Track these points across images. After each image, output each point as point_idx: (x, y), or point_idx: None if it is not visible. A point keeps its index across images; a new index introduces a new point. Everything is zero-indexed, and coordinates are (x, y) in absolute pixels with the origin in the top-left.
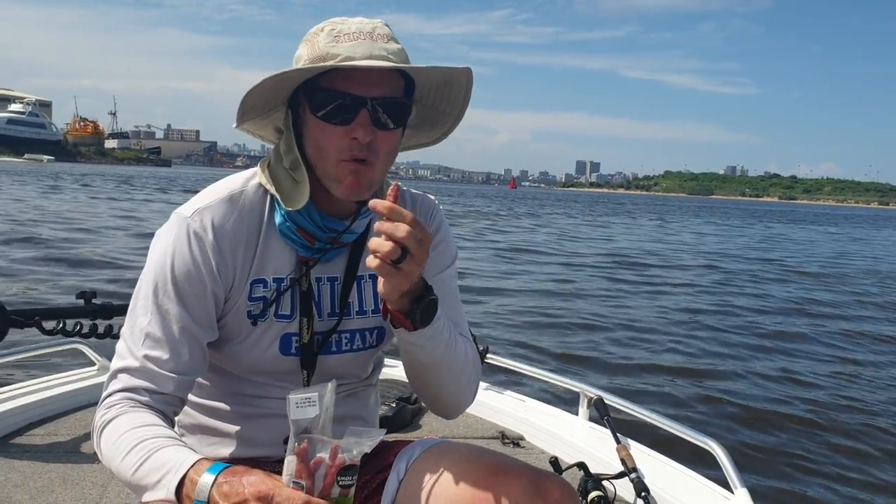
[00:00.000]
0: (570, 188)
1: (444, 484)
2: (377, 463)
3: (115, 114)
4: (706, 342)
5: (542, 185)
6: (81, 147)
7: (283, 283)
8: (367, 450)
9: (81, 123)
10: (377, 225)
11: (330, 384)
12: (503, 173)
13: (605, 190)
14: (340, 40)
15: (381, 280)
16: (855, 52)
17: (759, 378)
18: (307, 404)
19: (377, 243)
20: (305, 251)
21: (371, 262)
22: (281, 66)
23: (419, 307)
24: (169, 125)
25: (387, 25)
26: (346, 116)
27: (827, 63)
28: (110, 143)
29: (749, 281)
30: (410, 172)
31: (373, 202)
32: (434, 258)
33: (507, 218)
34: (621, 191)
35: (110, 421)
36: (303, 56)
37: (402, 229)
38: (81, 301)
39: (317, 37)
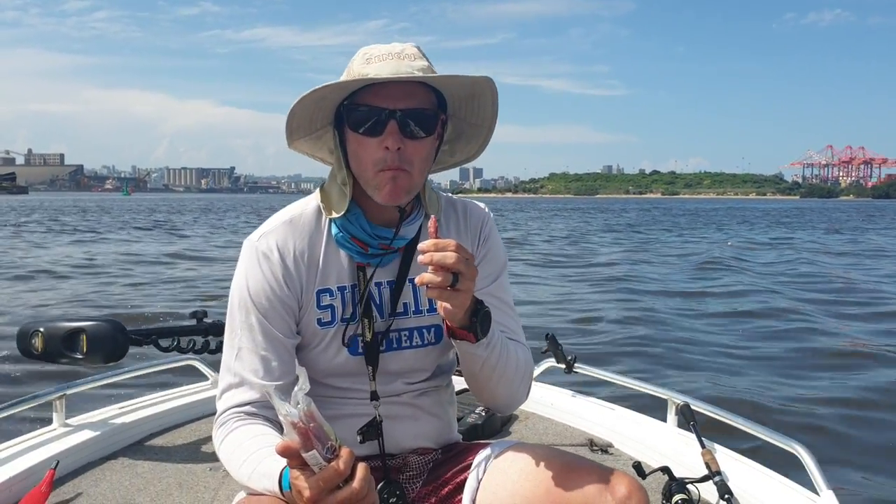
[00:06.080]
0: (459, 195)
1: (519, 482)
2: (458, 463)
3: None
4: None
5: None
6: None
7: (346, 290)
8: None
9: None
10: (424, 258)
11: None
12: None
13: (493, 195)
14: (371, 62)
15: (440, 304)
16: (715, 51)
17: (846, 377)
18: (292, 408)
19: (428, 278)
20: (361, 257)
21: (430, 293)
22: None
23: (477, 319)
24: (30, 150)
25: (417, 47)
26: (377, 128)
27: (690, 62)
28: None
29: None
30: (293, 186)
31: (421, 245)
32: (485, 267)
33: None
34: (509, 195)
35: (224, 438)
36: (341, 80)
37: (450, 257)
38: (194, 320)
39: (353, 62)
